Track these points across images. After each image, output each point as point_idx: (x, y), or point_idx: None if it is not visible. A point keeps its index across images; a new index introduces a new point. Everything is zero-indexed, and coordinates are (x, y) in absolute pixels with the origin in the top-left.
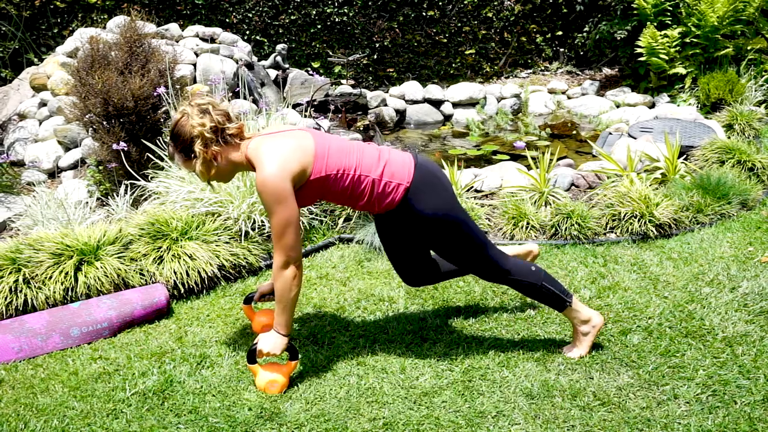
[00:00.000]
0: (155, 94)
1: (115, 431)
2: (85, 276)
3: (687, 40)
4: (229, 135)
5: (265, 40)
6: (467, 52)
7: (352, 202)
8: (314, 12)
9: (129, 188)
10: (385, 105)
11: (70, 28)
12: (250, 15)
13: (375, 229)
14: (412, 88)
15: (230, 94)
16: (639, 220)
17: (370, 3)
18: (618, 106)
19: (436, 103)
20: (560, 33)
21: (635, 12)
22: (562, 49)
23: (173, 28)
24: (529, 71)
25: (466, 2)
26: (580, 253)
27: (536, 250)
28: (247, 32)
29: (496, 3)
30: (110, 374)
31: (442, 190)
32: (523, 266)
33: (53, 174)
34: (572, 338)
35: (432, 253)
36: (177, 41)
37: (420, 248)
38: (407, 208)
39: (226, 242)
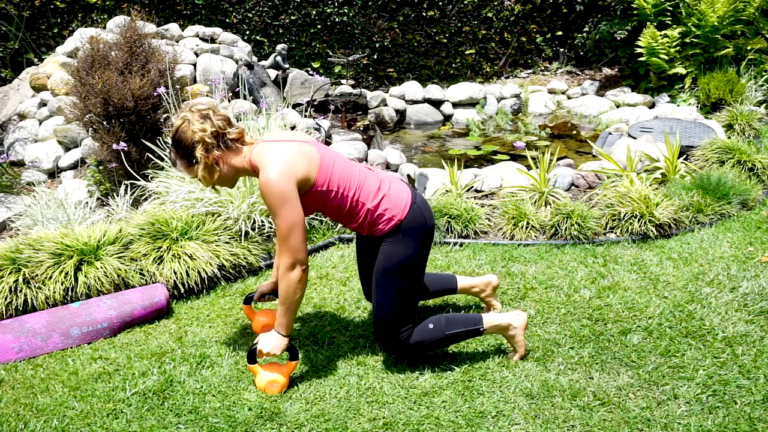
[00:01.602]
0: (155, 94)
1: (115, 431)
2: (85, 276)
3: (687, 40)
4: (231, 140)
5: (265, 40)
6: (467, 52)
7: (346, 221)
8: (314, 12)
9: (129, 188)
10: (385, 105)
11: (70, 28)
12: (250, 15)
13: None
14: (412, 88)
15: (230, 95)
16: (639, 220)
17: (370, 3)
18: (618, 106)
19: (436, 103)
20: (560, 33)
21: (635, 12)
22: (562, 49)
23: (173, 28)
24: (529, 71)
25: (466, 2)
26: (580, 253)
27: (495, 281)
28: (247, 32)
29: (496, 3)
30: (110, 374)
31: (421, 242)
32: (420, 330)
33: (53, 174)
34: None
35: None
36: (177, 41)
37: None
38: (384, 238)
39: (226, 242)
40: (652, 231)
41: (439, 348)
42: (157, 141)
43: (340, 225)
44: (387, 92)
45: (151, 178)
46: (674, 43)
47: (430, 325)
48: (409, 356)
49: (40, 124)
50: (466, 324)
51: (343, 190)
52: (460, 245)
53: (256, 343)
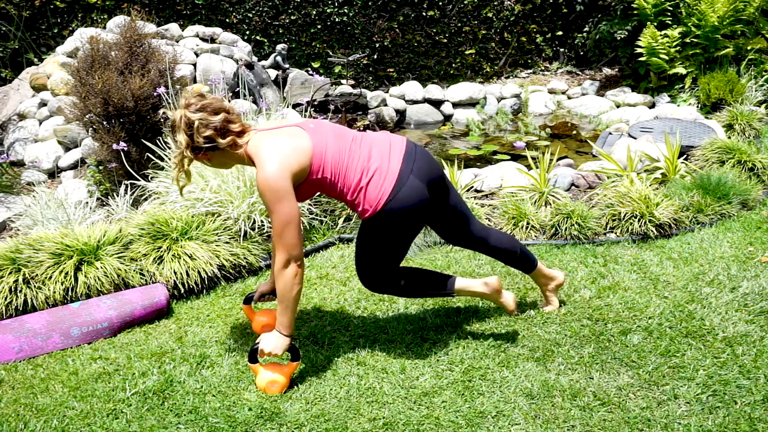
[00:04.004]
0: (155, 94)
1: (115, 431)
2: (85, 276)
3: (687, 40)
4: (223, 145)
5: (265, 40)
6: (467, 52)
7: (344, 202)
8: (314, 12)
9: (129, 188)
10: (385, 105)
11: (70, 28)
12: (250, 15)
13: None
14: (412, 88)
15: (230, 94)
16: (639, 220)
17: (370, 3)
18: (618, 106)
19: (436, 103)
20: (560, 33)
21: (635, 12)
22: (562, 49)
23: (173, 28)
24: (529, 71)
25: (466, 2)
26: (580, 253)
27: (561, 278)
28: (247, 32)
29: (496, 3)
30: (110, 374)
31: (400, 231)
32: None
33: (53, 174)
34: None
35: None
36: (177, 41)
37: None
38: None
39: (226, 242)
40: (652, 231)
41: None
42: (157, 141)
43: (339, 225)
44: (387, 92)
45: (151, 178)
46: (674, 43)
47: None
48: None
49: (40, 124)
50: (439, 287)
51: (334, 178)
52: None
53: (258, 342)
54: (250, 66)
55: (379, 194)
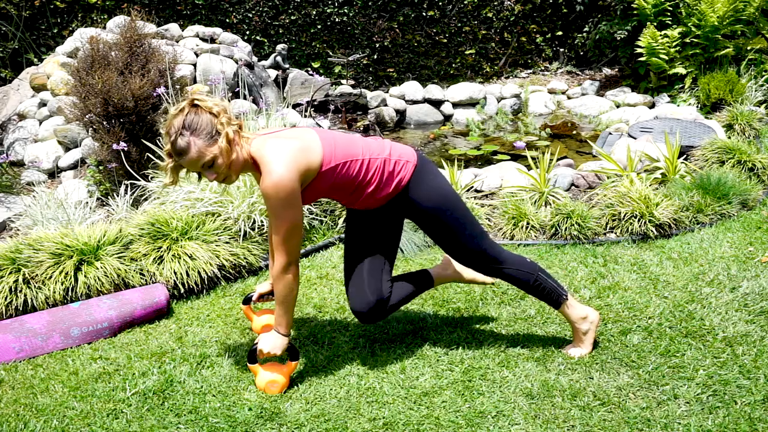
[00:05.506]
0: (155, 94)
1: (115, 431)
2: (85, 276)
3: (687, 40)
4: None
5: (265, 40)
6: (467, 52)
7: (358, 193)
8: (314, 12)
9: (129, 188)
10: (385, 105)
11: (70, 28)
12: (250, 15)
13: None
14: (412, 88)
15: (230, 94)
16: (639, 220)
17: (370, 3)
18: (618, 106)
19: (436, 103)
20: (560, 33)
21: (635, 12)
22: (562, 49)
23: (173, 28)
24: (529, 71)
25: (466, 2)
26: (580, 253)
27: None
28: (247, 32)
29: (496, 3)
30: (110, 374)
31: (439, 174)
32: (517, 258)
33: (53, 174)
34: (573, 337)
35: (388, 276)
36: (177, 41)
37: (386, 257)
38: (406, 194)
39: (226, 242)
40: (652, 231)
41: (518, 286)
42: (157, 141)
43: (339, 225)
44: (387, 92)
45: (151, 178)
46: (674, 43)
47: (527, 260)
48: (494, 274)
49: (40, 124)
50: (556, 282)
51: (351, 159)
52: None
53: (257, 343)
54: (250, 66)
55: (404, 158)
